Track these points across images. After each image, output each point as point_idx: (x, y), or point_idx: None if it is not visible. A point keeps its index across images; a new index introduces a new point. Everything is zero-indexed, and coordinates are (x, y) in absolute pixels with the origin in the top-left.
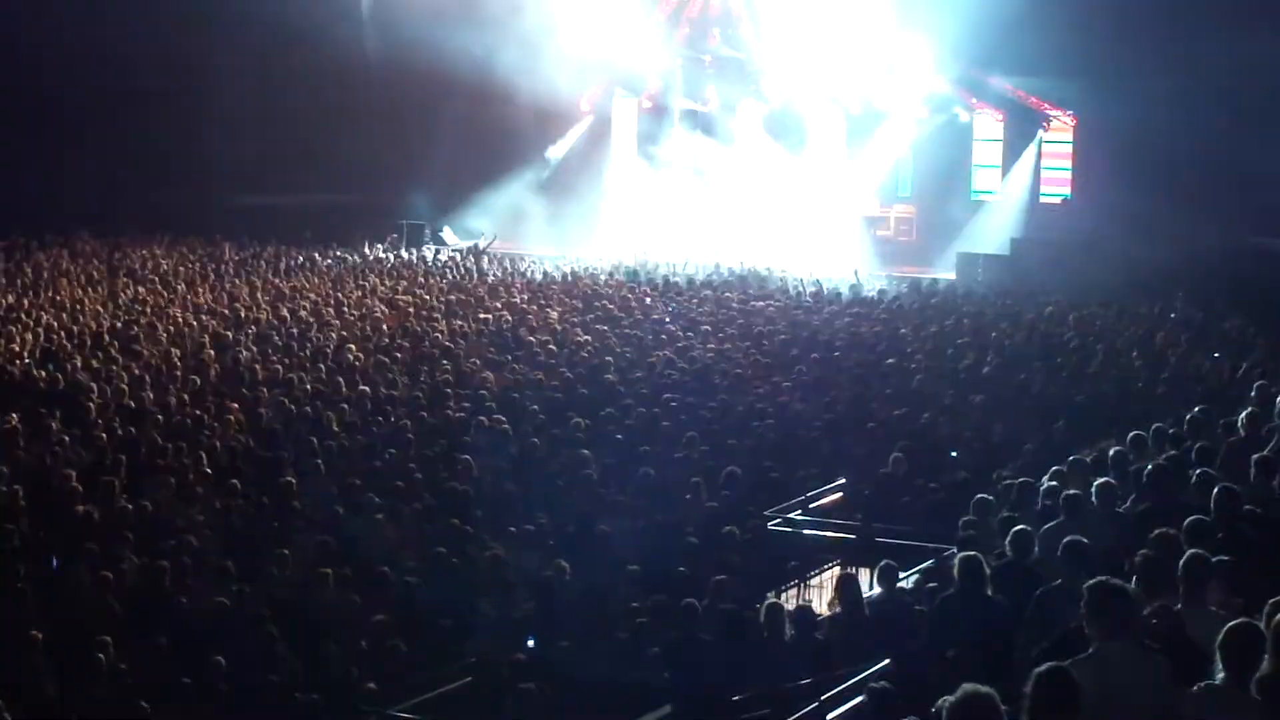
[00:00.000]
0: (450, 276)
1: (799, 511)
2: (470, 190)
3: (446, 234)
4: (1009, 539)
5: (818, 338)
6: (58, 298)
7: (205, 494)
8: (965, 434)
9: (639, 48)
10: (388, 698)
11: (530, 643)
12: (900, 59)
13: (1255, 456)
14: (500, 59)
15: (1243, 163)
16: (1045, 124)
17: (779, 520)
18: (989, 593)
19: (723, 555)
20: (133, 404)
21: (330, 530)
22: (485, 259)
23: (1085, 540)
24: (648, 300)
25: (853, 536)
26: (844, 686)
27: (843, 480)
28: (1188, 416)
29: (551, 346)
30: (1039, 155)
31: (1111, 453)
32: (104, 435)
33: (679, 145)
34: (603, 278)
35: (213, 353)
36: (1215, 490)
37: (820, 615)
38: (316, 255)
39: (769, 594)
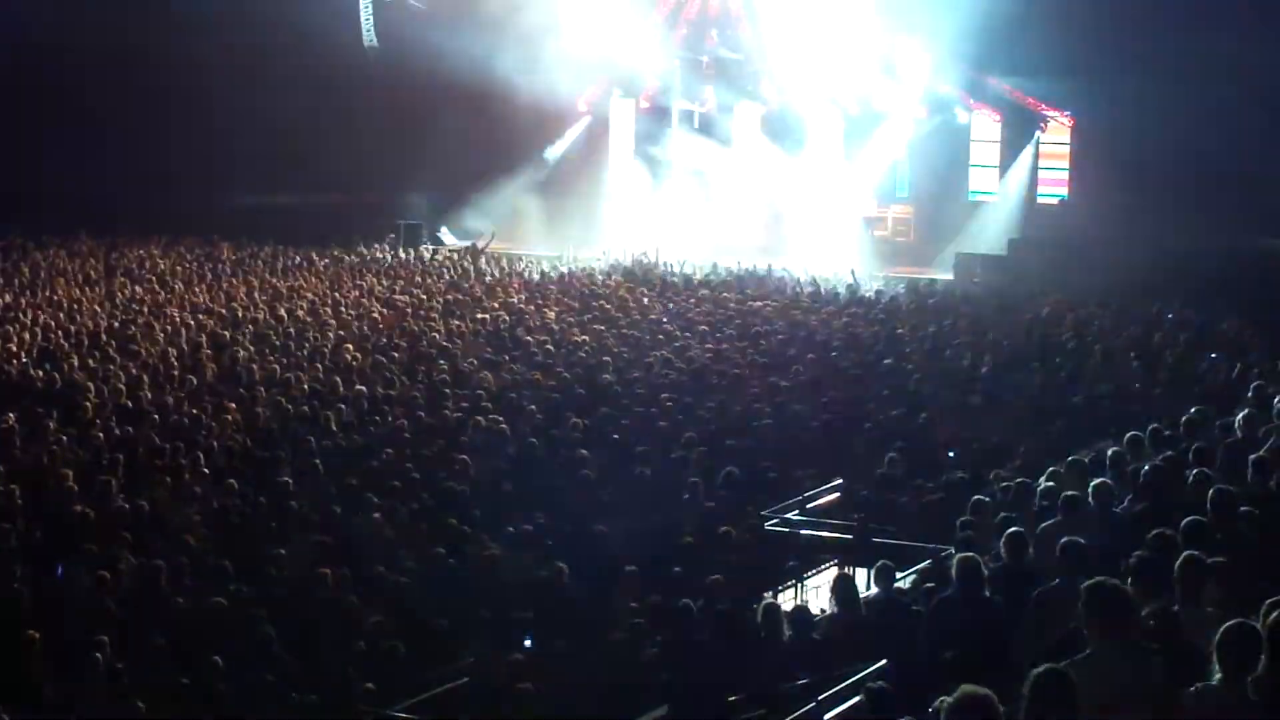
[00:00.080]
0: (448, 276)
1: (796, 512)
2: (468, 190)
3: (444, 234)
4: (1003, 540)
5: (815, 338)
6: (55, 297)
7: (202, 494)
8: (962, 434)
9: (637, 49)
10: (385, 698)
11: (527, 643)
12: (898, 60)
13: (1252, 457)
14: (498, 59)
15: (1240, 164)
16: (1042, 125)
17: (776, 520)
18: (987, 593)
19: (720, 556)
20: (130, 404)
21: (327, 530)
22: (483, 259)
23: (1082, 541)
24: (645, 300)
25: (850, 537)
26: (841, 687)
27: (840, 480)
28: (1185, 417)
29: (549, 346)
30: (1036, 156)
31: (1109, 453)
32: (101, 435)
33: (677, 146)
34: (600, 278)
35: (210, 352)
36: (1212, 491)
37: (817, 615)
38: (314, 255)
39: (766, 594)
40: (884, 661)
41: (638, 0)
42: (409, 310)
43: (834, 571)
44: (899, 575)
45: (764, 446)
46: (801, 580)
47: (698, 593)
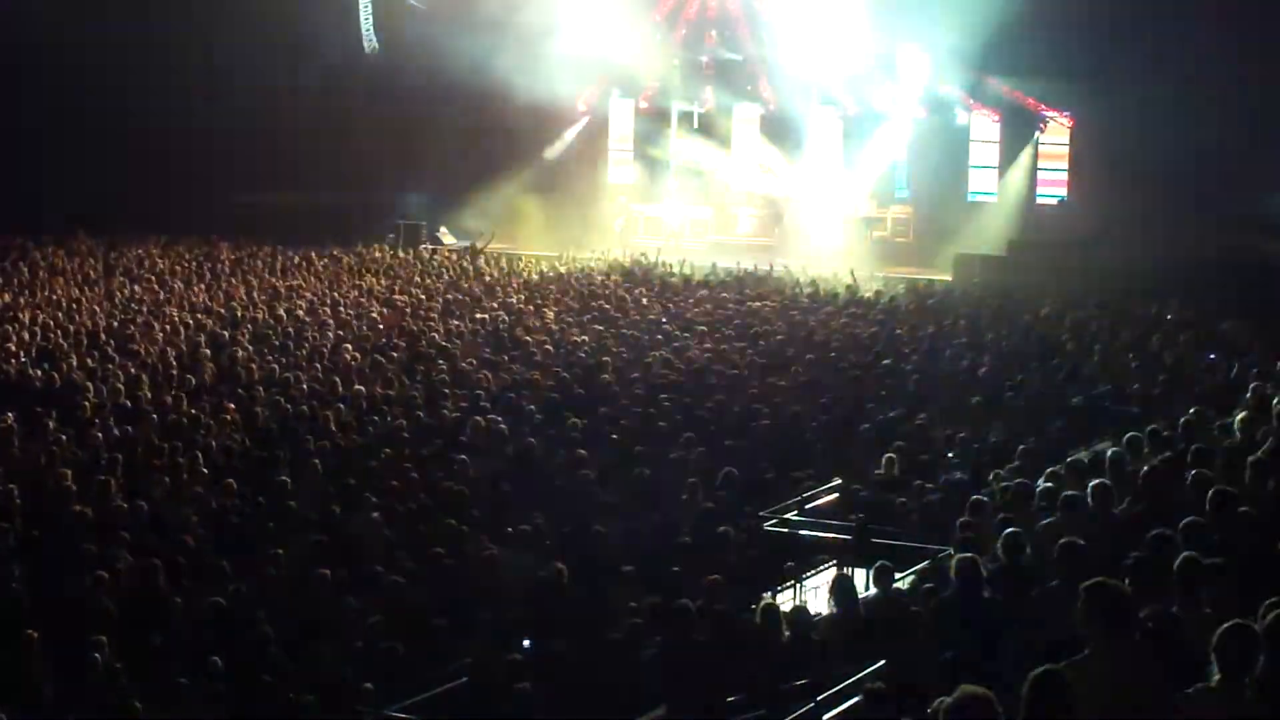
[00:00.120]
0: (447, 276)
1: (795, 512)
2: (467, 191)
3: (443, 234)
4: (1000, 540)
5: (814, 338)
6: (54, 296)
7: (201, 494)
8: (961, 435)
9: (636, 49)
10: (383, 698)
11: (526, 644)
12: (897, 61)
13: (1250, 459)
14: (497, 60)
15: (1239, 165)
16: (1042, 126)
17: (775, 521)
18: (985, 594)
19: (718, 556)
20: (129, 403)
21: (326, 530)
22: (482, 259)
23: (1081, 542)
24: (644, 301)
25: (849, 537)
26: (840, 688)
27: (838, 481)
28: (1183, 418)
29: (548, 346)
30: (1035, 157)
31: (1108, 454)
32: (100, 434)
33: (676, 147)
34: (599, 278)
35: (209, 352)
36: (1211, 492)
37: (816, 616)
38: (313, 255)
39: (765, 595)
40: (883, 662)
41: (636, 1)
42: (408, 310)
43: (833, 572)
44: (897, 576)
45: (763, 447)
46: (800, 581)
47: (696, 593)
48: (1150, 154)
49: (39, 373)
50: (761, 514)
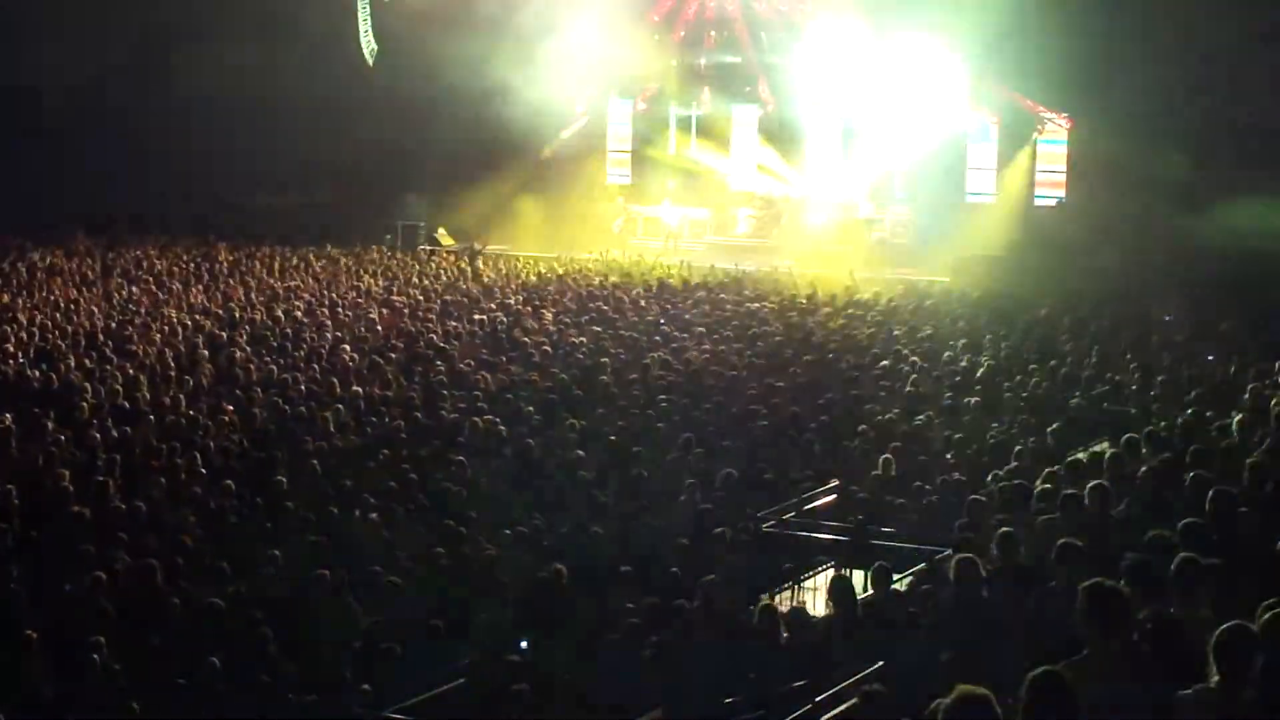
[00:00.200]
0: (445, 278)
1: (793, 513)
2: (465, 192)
3: (441, 235)
4: (995, 540)
5: (812, 339)
6: (52, 298)
7: (199, 494)
8: (960, 436)
9: (634, 50)
10: (381, 699)
11: (524, 644)
12: (895, 62)
13: (1248, 460)
14: (496, 61)
15: (1238, 165)
16: (1040, 127)
17: (773, 522)
18: (984, 595)
19: (716, 557)
20: (127, 404)
21: (324, 531)
22: (480, 260)
23: (1079, 543)
24: (642, 302)
25: (847, 538)
26: (838, 689)
27: (836, 482)
28: (1181, 419)
29: (546, 348)
30: (1034, 158)
31: (1106, 455)
32: (98, 435)
33: (674, 148)
34: (597, 279)
35: (207, 353)
36: (1209, 493)
37: (814, 617)
38: (311, 256)
39: (763, 596)
40: (881, 663)
41: (635, 2)
42: (406, 311)
43: (831, 573)
44: (896, 577)
45: (761, 448)
46: (799, 582)
47: (694, 594)
48: (1148, 154)
49: (37, 373)
50: (760, 515)
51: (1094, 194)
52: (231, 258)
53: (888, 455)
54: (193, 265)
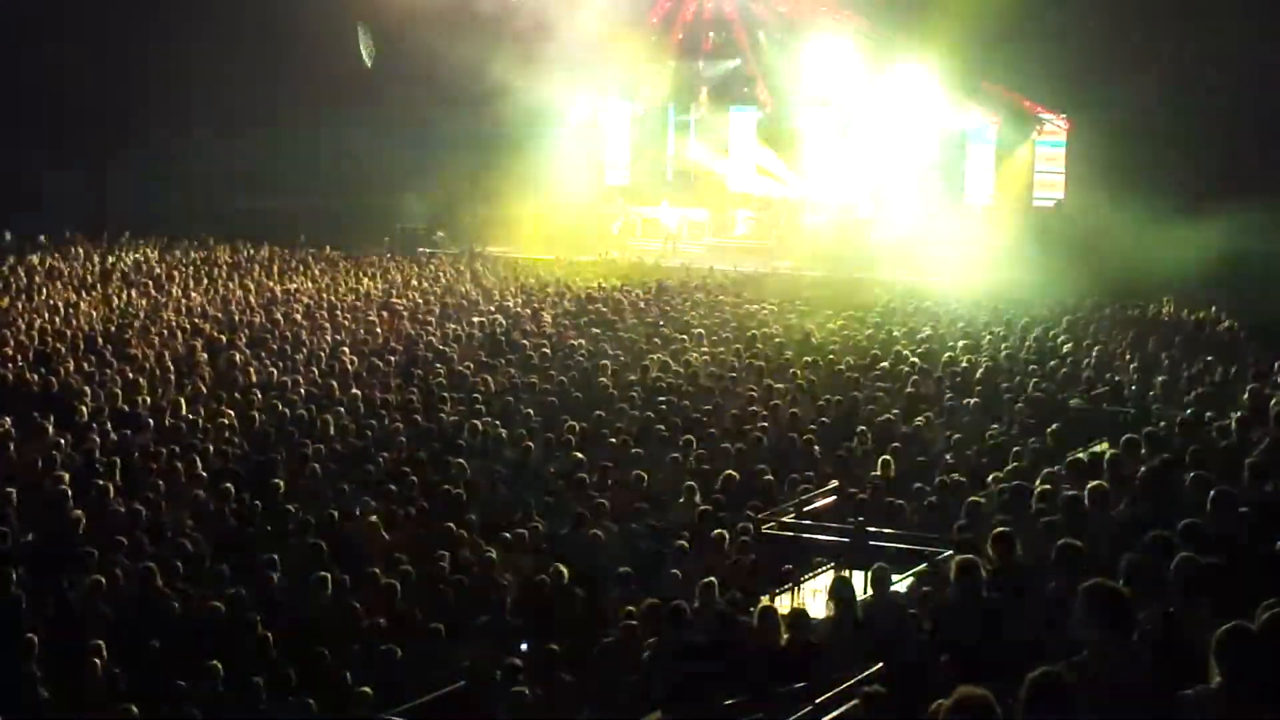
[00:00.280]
0: (444, 280)
1: (792, 515)
2: (464, 195)
3: (440, 238)
4: (990, 540)
5: (811, 341)
6: (51, 301)
7: (199, 498)
8: (959, 437)
9: (633, 52)
10: (381, 701)
11: (523, 646)
12: (893, 63)
13: (1248, 460)
14: (494, 63)
15: (1236, 166)
16: (1039, 127)
17: (772, 524)
18: (984, 596)
19: (715, 558)
20: (126, 407)
21: (324, 534)
22: (479, 263)
23: (1079, 543)
24: (641, 304)
25: (847, 540)
26: (838, 690)
27: (836, 483)
28: (1180, 419)
29: (545, 350)
30: (1033, 159)
31: (1105, 455)
32: (97, 439)
33: (672, 150)
34: (596, 281)
35: (206, 356)
36: (1209, 493)
37: (814, 619)
38: (310, 259)
39: (762, 598)
40: (881, 665)
41: (633, 5)
42: (405, 314)
43: (831, 574)
44: (895, 578)
45: (760, 449)
46: (798, 583)
47: (693, 596)
48: (1146, 154)
49: (36, 377)
50: (759, 517)
51: (1092, 195)
52: (231, 261)
53: (887, 456)
54: (192, 268)
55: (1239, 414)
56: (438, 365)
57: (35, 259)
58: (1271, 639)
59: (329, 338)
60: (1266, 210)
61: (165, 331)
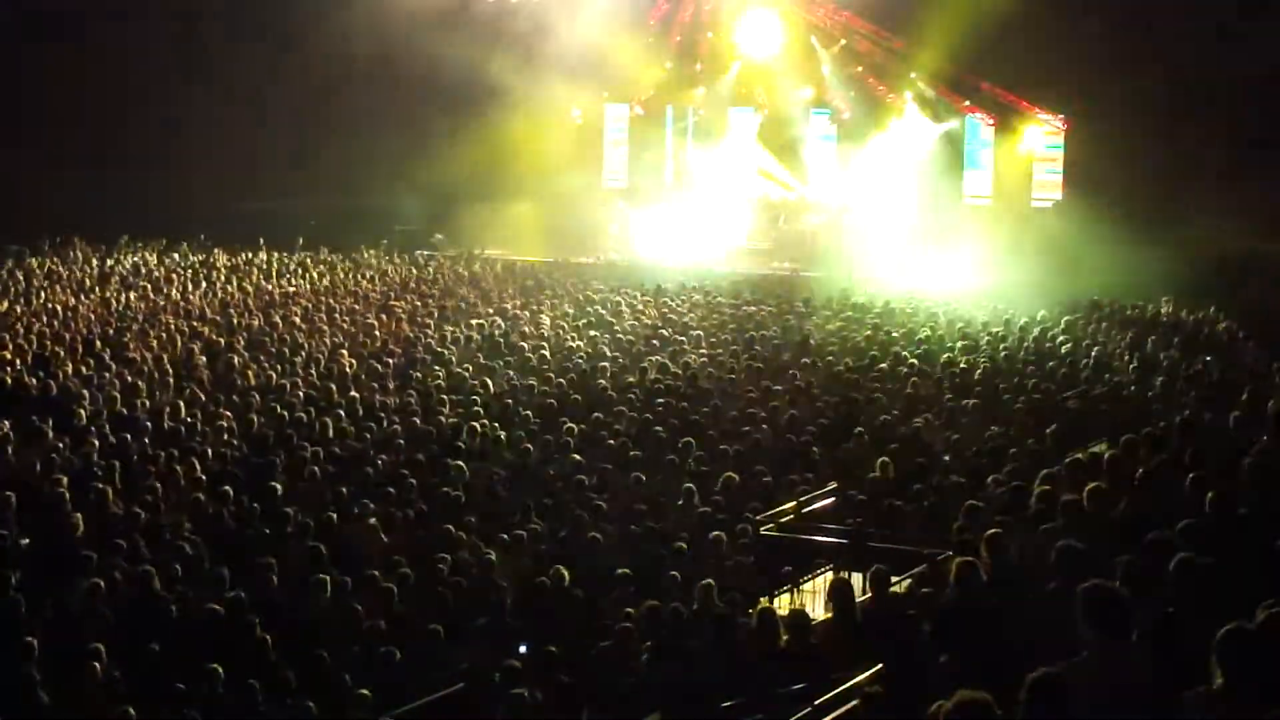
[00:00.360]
0: (442, 282)
1: (791, 516)
2: (462, 196)
3: (438, 239)
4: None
5: (809, 342)
6: (49, 304)
7: (198, 500)
8: (958, 438)
9: (631, 53)
10: (380, 704)
11: (522, 649)
12: (891, 64)
13: (1247, 460)
14: (492, 64)
15: (1233, 166)
16: (1036, 128)
17: (771, 525)
18: (983, 597)
19: (714, 560)
20: (124, 410)
21: (323, 536)
22: (477, 264)
23: (1078, 544)
24: (640, 305)
25: (845, 541)
26: (838, 692)
27: (835, 485)
28: (1179, 420)
29: (544, 352)
30: (1030, 159)
31: (1105, 456)
32: (95, 442)
33: (670, 151)
34: (594, 283)
35: (205, 359)
36: (1208, 494)
37: (813, 620)
38: (309, 261)
39: (761, 599)
40: (880, 666)
41: (631, 6)
42: (404, 316)
43: (830, 576)
44: (894, 580)
45: (759, 451)
46: (797, 585)
47: (692, 598)
48: (1144, 154)
49: (35, 380)
50: (758, 518)
51: (1090, 195)
52: (229, 263)
53: (885, 458)
54: (190, 271)
55: (1237, 414)
56: (436, 368)
57: (34, 262)
58: (1271, 639)
59: (327, 340)
60: (1266, 210)
61: (164, 334)
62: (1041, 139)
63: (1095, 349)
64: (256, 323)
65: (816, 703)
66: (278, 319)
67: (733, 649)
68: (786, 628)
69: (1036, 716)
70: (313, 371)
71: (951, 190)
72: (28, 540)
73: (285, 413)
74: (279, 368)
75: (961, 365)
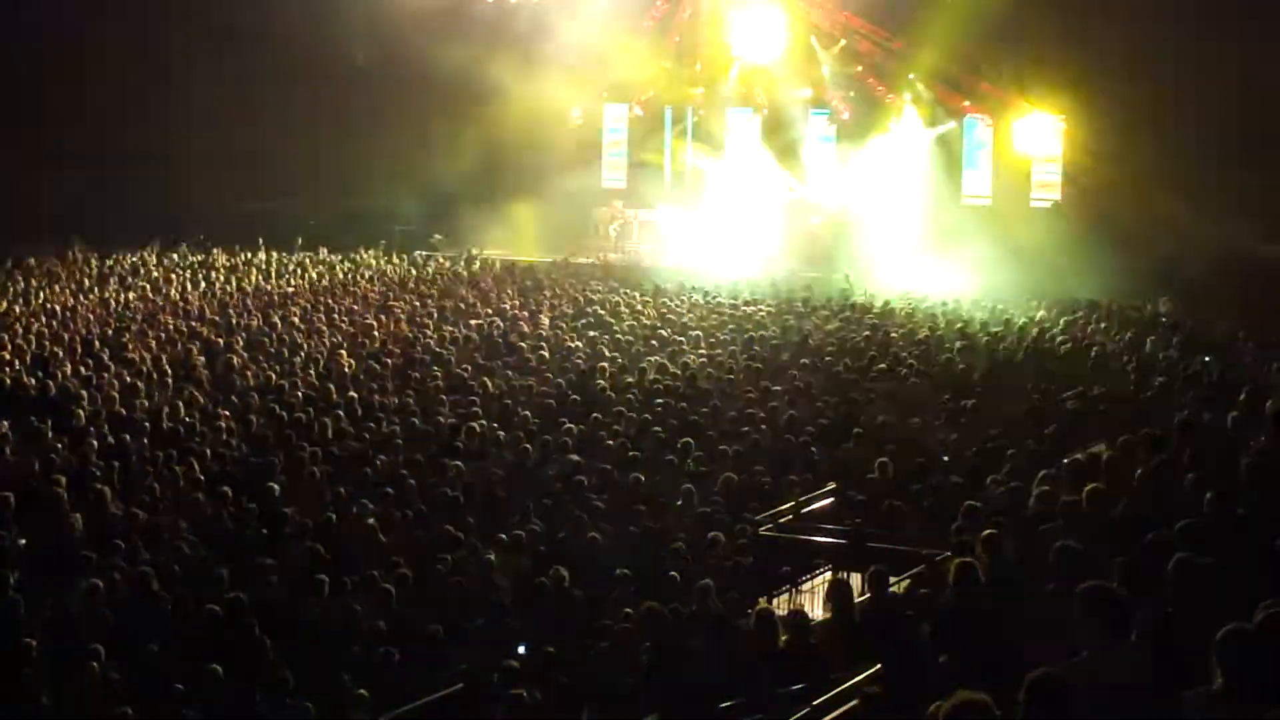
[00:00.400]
0: (441, 283)
1: (790, 517)
2: (461, 197)
3: (437, 240)
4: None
5: (808, 343)
6: (48, 304)
7: (196, 501)
8: (956, 439)
9: (630, 54)
10: (379, 704)
11: (521, 649)
12: (891, 64)
13: (1245, 461)
14: (491, 64)
15: (1232, 167)
16: (1035, 128)
17: (770, 525)
18: (982, 598)
19: (712, 561)
20: (123, 411)
21: (321, 537)
22: (476, 265)
23: (1077, 545)
24: (639, 306)
25: (844, 542)
26: (836, 692)
27: (833, 485)
28: (1178, 420)
29: (543, 352)
30: (1029, 159)
31: (1103, 457)
32: (94, 442)
33: (669, 151)
34: (593, 283)
35: (203, 359)
36: (1207, 494)
37: (812, 620)
38: (307, 261)
39: (760, 600)
40: (879, 666)
41: (630, 5)
42: (403, 317)
43: (829, 576)
44: (893, 580)
45: (758, 451)
46: (796, 585)
47: (691, 598)
48: (1142, 155)
49: (33, 380)
50: (757, 519)
51: (1089, 195)
52: (228, 264)
53: (884, 458)
54: (189, 271)
55: (1238, 414)
56: (435, 368)
57: (32, 262)
58: (1271, 639)
59: (326, 340)
60: (1266, 210)
61: (162, 335)
62: (1040, 139)
63: (1094, 349)
64: (255, 323)
65: (815, 703)
66: (277, 319)
67: (732, 649)
68: (785, 628)
69: (1036, 717)
70: (311, 372)
71: (950, 190)
72: (27, 540)
73: (284, 413)
74: (278, 368)
75: (960, 366)
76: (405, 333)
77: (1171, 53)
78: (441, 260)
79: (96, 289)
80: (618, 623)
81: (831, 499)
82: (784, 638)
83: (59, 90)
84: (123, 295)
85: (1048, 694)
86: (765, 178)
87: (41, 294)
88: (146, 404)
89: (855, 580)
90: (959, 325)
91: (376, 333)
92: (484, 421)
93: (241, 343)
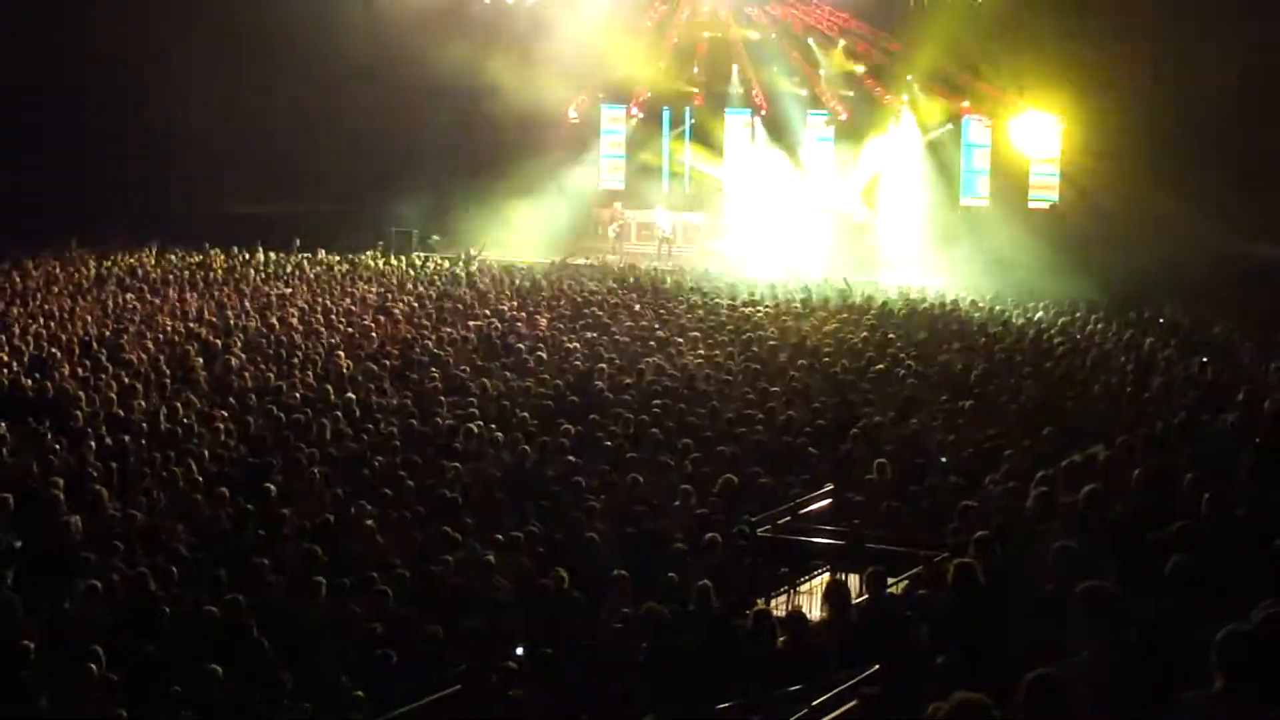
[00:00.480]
0: (439, 284)
1: (788, 518)
2: (458, 198)
3: (435, 241)
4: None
5: (806, 344)
6: (46, 306)
7: (195, 502)
8: (954, 439)
9: (627, 55)
10: (377, 706)
11: (519, 650)
12: (889, 65)
13: (1244, 461)
14: (488, 65)
15: (1231, 167)
16: (1033, 129)
17: (768, 526)
18: (980, 598)
19: (711, 562)
20: (121, 412)
21: (319, 538)
22: (474, 266)
23: (1075, 545)
24: (637, 307)
25: (842, 542)
26: (834, 693)
27: (831, 486)
28: (1176, 421)
29: (541, 354)
30: (1027, 160)
31: (1102, 458)
32: (92, 444)
33: (667, 153)
34: (592, 284)
35: (201, 361)
36: (1205, 495)
37: (810, 621)
38: (305, 263)
39: (758, 601)
40: (876, 667)
41: (629, 6)
42: (401, 318)
43: (826, 577)
44: (891, 581)
45: (756, 452)
46: (794, 586)
47: (689, 599)
48: (1141, 157)
49: (31, 382)
50: (755, 520)
51: (1088, 197)
52: (226, 265)
53: (882, 459)
54: (187, 273)
55: (1236, 415)
56: (433, 369)
57: (30, 263)
58: (1271, 639)
59: (324, 342)
60: (1266, 211)
61: (160, 336)
62: (1038, 140)
63: (1093, 350)
64: (253, 324)
65: (814, 704)
66: (275, 320)
67: (730, 650)
68: (783, 629)
69: (1034, 717)
70: (310, 373)
71: (948, 192)
72: (24, 542)
73: (282, 414)
74: (276, 369)
75: (958, 367)
76: (403, 334)
77: (1171, 53)
78: (439, 261)
79: (94, 291)
80: (616, 623)
81: (829, 500)
82: (782, 638)
83: (59, 90)
84: (121, 297)
85: (1046, 694)
86: (763, 179)
87: (39, 295)
88: (144, 405)
89: (853, 581)
90: (955, 326)
91: (374, 334)
92: (482, 423)
93: (239, 344)
